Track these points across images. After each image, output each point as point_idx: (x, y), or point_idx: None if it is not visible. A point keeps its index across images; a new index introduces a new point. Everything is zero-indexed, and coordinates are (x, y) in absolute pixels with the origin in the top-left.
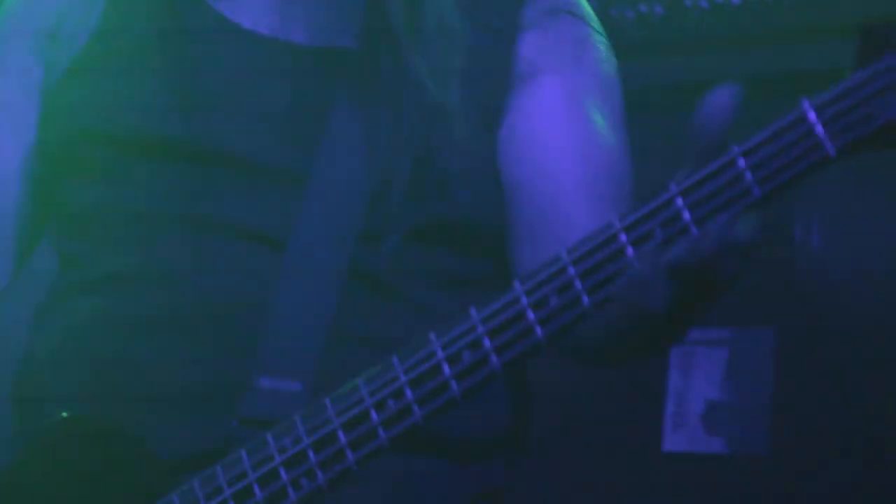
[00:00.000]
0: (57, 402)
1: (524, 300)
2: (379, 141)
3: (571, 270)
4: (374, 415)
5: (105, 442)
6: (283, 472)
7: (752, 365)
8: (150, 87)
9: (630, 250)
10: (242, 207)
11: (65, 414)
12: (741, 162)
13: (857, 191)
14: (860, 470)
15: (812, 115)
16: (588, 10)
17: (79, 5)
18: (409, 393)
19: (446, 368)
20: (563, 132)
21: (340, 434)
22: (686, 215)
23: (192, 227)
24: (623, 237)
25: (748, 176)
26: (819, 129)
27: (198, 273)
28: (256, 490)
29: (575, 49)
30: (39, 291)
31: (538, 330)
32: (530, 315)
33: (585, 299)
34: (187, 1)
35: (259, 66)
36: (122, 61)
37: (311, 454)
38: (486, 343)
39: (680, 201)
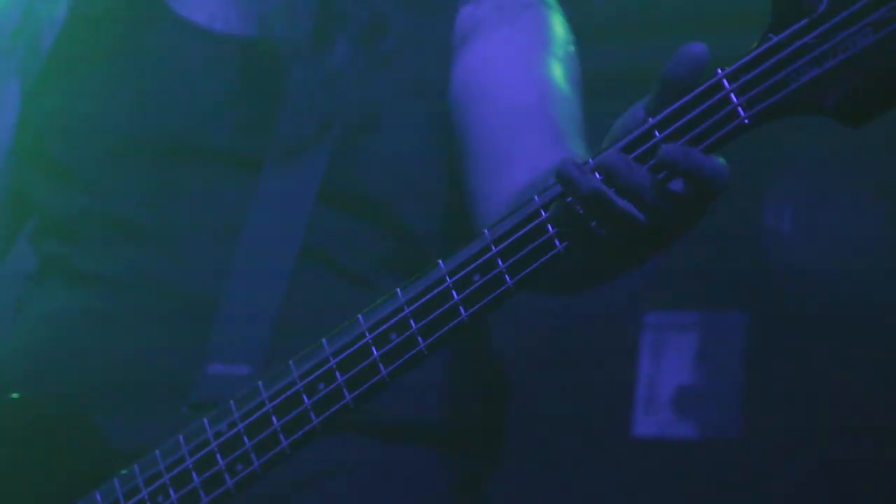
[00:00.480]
0: (20, 389)
1: (448, 280)
2: (328, 128)
3: (493, 248)
4: (305, 398)
5: (55, 425)
6: (219, 458)
7: (722, 349)
8: (113, 90)
9: (550, 227)
10: (202, 199)
11: (15, 395)
12: (656, 133)
13: (828, 178)
14: (831, 453)
15: (726, 84)
16: None
17: (42, 9)
18: (339, 376)
19: (374, 350)
20: (499, 72)
21: (273, 418)
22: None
23: (159, 226)
24: (543, 213)
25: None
26: (733, 97)
27: (163, 271)
28: (194, 475)
29: (511, 12)
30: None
31: (462, 310)
32: (455, 295)
33: (508, 278)
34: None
35: (212, 61)
36: (85, 67)
37: (245, 439)
38: (413, 324)
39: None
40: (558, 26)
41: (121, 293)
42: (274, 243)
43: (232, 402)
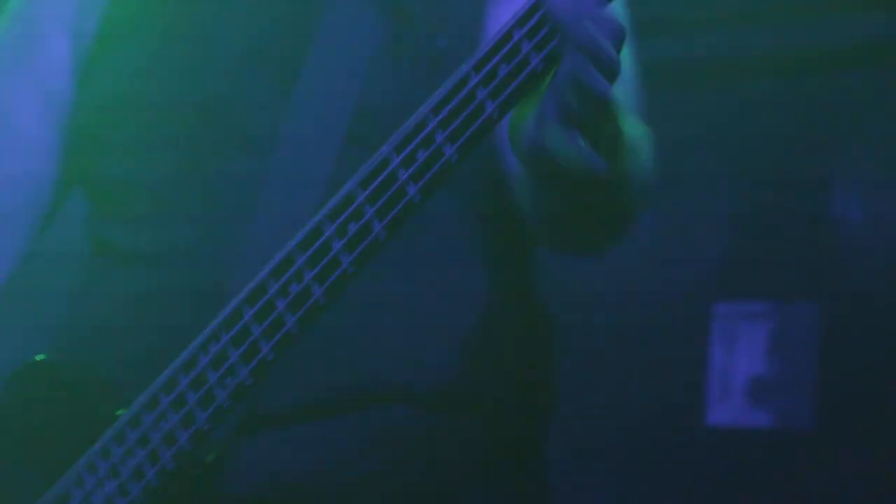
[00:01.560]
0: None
1: (395, 158)
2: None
3: (432, 121)
4: (279, 303)
5: (78, 387)
6: (210, 374)
7: (796, 339)
8: (156, 65)
9: (482, 91)
10: (225, 167)
11: (39, 357)
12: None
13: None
14: None
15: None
16: None
17: None
18: (307, 273)
19: (336, 243)
20: None
21: (253, 328)
22: (525, 46)
23: (203, 199)
24: (474, 77)
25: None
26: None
27: (190, 246)
28: (189, 396)
29: None
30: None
31: (411, 188)
32: (402, 173)
33: (448, 149)
34: None
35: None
36: (131, 44)
37: (230, 351)
38: (368, 210)
39: (518, 34)
40: None
41: (158, 270)
42: (296, 200)
43: (215, 319)
